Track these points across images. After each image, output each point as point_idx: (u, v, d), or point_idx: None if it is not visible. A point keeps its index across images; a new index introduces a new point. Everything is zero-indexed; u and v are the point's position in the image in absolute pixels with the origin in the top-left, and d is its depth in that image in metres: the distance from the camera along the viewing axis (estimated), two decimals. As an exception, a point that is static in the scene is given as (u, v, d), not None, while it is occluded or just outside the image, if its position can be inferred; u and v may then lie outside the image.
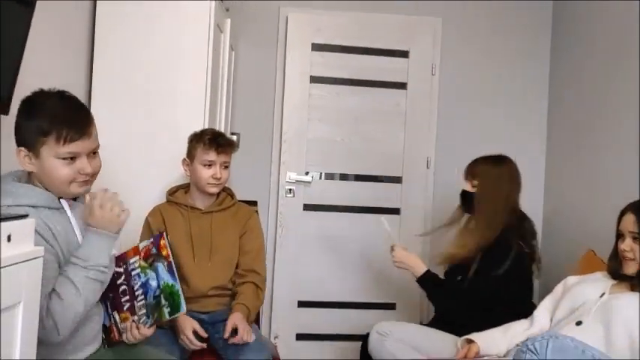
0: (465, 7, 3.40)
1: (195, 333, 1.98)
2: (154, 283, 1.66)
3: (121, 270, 1.65)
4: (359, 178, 3.35)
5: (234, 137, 2.80)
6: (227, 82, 2.78)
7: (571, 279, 2.03)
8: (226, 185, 2.27)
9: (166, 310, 1.65)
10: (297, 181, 3.27)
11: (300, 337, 3.25)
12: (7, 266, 1.02)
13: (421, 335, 2.24)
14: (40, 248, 1.15)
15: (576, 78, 3.16)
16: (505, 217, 2.21)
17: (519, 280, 2.19)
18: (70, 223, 1.53)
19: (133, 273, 1.65)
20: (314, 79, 3.30)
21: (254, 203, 2.73)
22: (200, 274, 2.12)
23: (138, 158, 2.37)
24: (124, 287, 1.65)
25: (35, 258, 1.12)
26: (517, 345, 1.93)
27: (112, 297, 1.67)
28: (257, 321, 2.34)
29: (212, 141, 2.15)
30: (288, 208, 3.27)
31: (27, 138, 1.46)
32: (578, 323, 1.80)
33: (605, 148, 2.81)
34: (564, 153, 3.22)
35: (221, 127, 2.71)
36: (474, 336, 2.01)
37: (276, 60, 3.29)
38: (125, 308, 1.66)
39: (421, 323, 2.67)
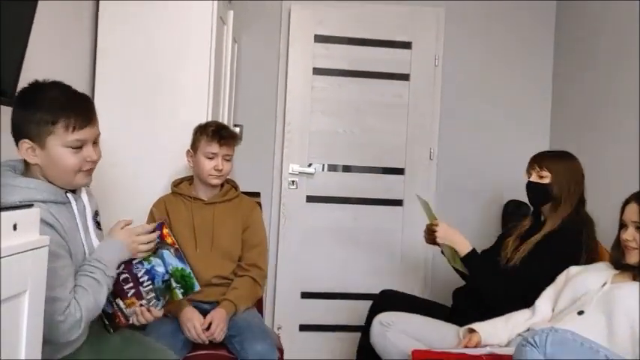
0: (468, -2, 3.39)
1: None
2: (160, 269, 1.69)
3: (141, 255, 1.68)
4: (362, 169, 3.36)
5: (237, 129, 2.81)
6: (230, 74, 2.79)
7: (573, 269, 2.03)
8: (230, 177, 2.29)
9: (179, 292, 1.72)
10: (300, 172, 3.28)
11: (303, 327, 3.27)
12: (12, 255, 1.04)
13: (423, 326, 2.25)
14: (46, 237, 1.16)
15: (580, 68, 3.16)
16: (575, 208, 2.21)
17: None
18: (75, 217, 1.53)
19: (135, 262, 1.67)
20: (316, 71, 3.30)
21: (257, 195, 2.74)
22: (202, 264, 2.13)
23: (142, 151, 2.39)
24: (125, 276, 1.66)
25: (41, 247, 1.13)
26: (519, 335, 1.94)
27: (113, 289, 1.66)
28: (260, 312, 2.35)
29: (215, 133, 2.17)
30: (291, 200, 3.28)
31: (31, 129, 1.43)
32: (580, 313, 1.81)
33: (607, 140, 2.81)
34: (567, 144, 3.21)
35: (224, 119, 2.71)
36: (475, 326, 2.02)
37: (279, 52, 3.29)
38: (129, 295, 1.67)
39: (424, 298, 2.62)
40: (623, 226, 1.89)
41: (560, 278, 2.04)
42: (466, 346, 1.97)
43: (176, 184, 2.27)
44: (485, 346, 1.95)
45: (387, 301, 2.47)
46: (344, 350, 3.17)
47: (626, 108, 2.66)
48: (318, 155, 3.32)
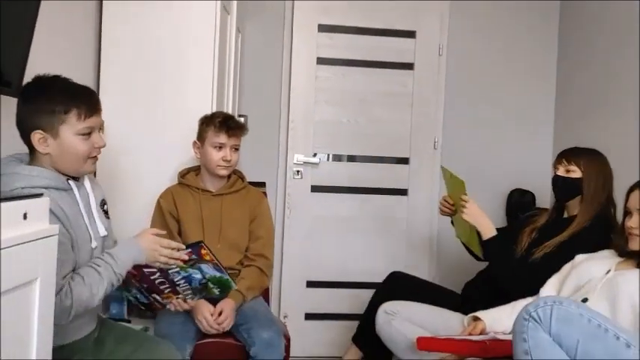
0: (473, -14, 3.37)
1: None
2: (197, 276, 1.78)
3: (154, 269, 1.71)
4: (366, 159, 3.36)
5: (242, 119, 2.82)
6: (234, 64, 2.79)
7: (578, 257, 2.04)
8: (236, 168, 2.30)
9: (216, 290, 1.85)
10: (304, 162, 3.29)
11: (309, 316, 3.29)
12: (23, 243, 1.06)
13: (428, 314, 2.27)
14: (56, 226, 1.18)
15: (584, 58, 3.15)
16: (605, 207, 2.19)
17: None
18: (78, 204, 1.57)
19: (171, 271, 1.73)
20: (320, 61, 3.30)
21: (262, 185, 2.75)
22: (209, 256, 2.16)
23: (148, 141, 2.40)
24: (161, 280, 1.75)
25: (51, 236, 1.15)
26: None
27: (146, 287, 1.77)
28: (266, 301, 2.37)
29: (223, 124, 2.17)
30: (296, 190, 3.29)
31: (43, 120, 1.50)
32: (584, 300, 1.82)
33: (610, 129, 2.81)
34: (572, 133, 3.21)
35: (228, 109, 2.72)
36: (480, 313, 2.04)
37: (283, 42, 3.29)
38: (166, 291, 1.78)
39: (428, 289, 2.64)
40: (627, 213, 1.89)
41: (566, 267, 2.04)
42: (470, 334, 1.98)
43: (183, 174, 2.27)
44: (490, 333, 1.97)
45: (395, 283, 2.48)
46: (350, 338, 3.19)
47: (629, 98, 2.65)
48: (323, 145, 3.32)
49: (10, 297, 1.02)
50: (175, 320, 2.00)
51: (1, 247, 0.99)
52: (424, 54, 3.35)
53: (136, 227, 2.22)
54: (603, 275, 1.85)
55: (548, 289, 2.03)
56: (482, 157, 3.41)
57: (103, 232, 1.64)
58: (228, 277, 1.85)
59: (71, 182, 1.57)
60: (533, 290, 2.05)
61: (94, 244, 1.59)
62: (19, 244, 1.04)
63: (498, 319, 2.00)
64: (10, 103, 1.62)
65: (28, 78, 1.60)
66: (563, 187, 2.24)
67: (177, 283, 1.76)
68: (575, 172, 2.21)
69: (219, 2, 2.40)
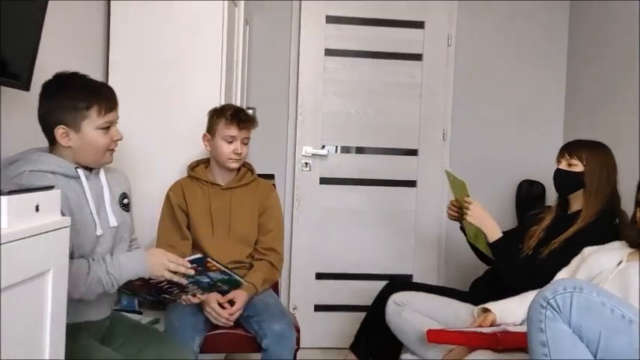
0: (482, -24, 3.34)
1: (220, 306, 2.04)
2: (205, 280, 1.80)
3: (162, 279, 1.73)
4: (375, 151, 3.36)
5: (250, 112, 2.82)
6: (242, 56, 2.79)
7: (588, 249, 2.02)
8: (246, 160, 2.30)
9: (225, 287, 1.90)
10: (313, 154, 3.29)
11: (318, 308, 3.30)
12: (35, 235, 1.06)
13: (438, 305, 2.26)
14: (67, 218, 1.19)
15: (594, 50, 3.12)
16: (609, 202, 2.17)
17: None
18: (85, 192, 1.62)
19: (176, 278, 1.74)
20: (329, 52, 3.28)
21: (271, 177, 2.75)
22: (219, 249, 2.16)
23: (156, 134, 2.41)
24: (168, 285, 1.77)
25: (63, 227, 1.15)
26: None
27: (154, 291, 1.79)
28: (276, 293, 2.38)
29: (234, 116, 2.17)
30: (304, 182, 3.29)
31: (66, 115, 1.58)
32: (595, 292, 1.81)
33: (621, 121, 2.78)
34: (583, 124, 3.19)
35: (237, 101, 2.72)
36: (490, 305, 2.03)
37: (291, 33, 3.28)
38: (175, 292, 1.82)
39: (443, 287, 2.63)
40: (639, 204, 1.87)
41: (575, 259, 2.03)
42: (480, 326, 1.98)
43: (192, 167, 2.27)
44: (500, 324, 1.96)
45: (394, 289, 2.45)
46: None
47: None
48: (331, 137, 3.32)
49: (23, 288, 1.03)
50: (185, 312, 2.01)
51: (14, 239, 1.00)
52: (433, 45, 3.33)
53: (146, 220, 2.24)
54: (614, 267, 1.84)
55: (558, 281, 2.01)
56: (491, 148, 3.39)
57: (113, 223, 1.68)
58: (237, 277, 1.89)
59: (80, 170, 1.62)
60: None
61: (99, 231, 1.63)
62: (31, 236, 1.05)
63: (508, 311, 2.00)
64: (19, 95, 1.63)
65: (37, 72, 1.62)
66: (564, 181, 2.22)
67: (186, 286, 1.77)
68: (578, 166, 2.19)
69: (227, -6, 2.40)
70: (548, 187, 3.25)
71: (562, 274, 2.01)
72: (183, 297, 1.83)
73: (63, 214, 1.47)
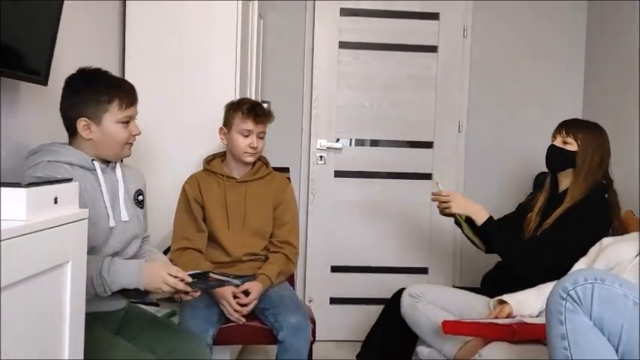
0: (497, -34, 3.30)
1: (235, 297, 2.05)
2: (202, 285, 1.79)
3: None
4: (389, 143, 3.34)
5: (265, 105, 2.83)
6: (256, 50, 2.79)
7: (606, 240, 2.01)
8: (261, 154, 2.31)
9: (216, 285, 1.86)
10: (327, 147, 3.29)
11: (334, 300, 3.31)
12: (54, 227, 1.08)
13: (453, 297, 2.25)
14: (85, 210, 1.20)
15: (614, 36, 3.06)
16: (599, 182, 2.18)
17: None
18: (100, 184, 1.66)
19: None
20: (343, 45, 3.27)
21: (286, 170, 2.76)
22: (234, 242, 2.18)
23: (172, 128, 2.43)
24: None
25: (81, 219, 1.17)
26: None
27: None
28: (292, 286, 2.39)
29: (250, 110, 2.18)
30: (319, 175, 3.30)
31: (89, 108, 1.63)
32: (613, 283, 1.79)
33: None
34: (602, 115, 3.14)
35: (251, 95, 2.73)
36: (506, 297, 2.02)
37: (305, 27, 3.27)
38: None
39: (454, 287, 2.68)
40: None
41: (593, 250, 2.02)
42: (497, 317, 1.97)
43: (208, 160, 2.28)
44: (516, 316, 1.95)
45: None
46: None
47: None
48: (346, 130, 3.31)
49: (42, 280, 1.05)
50: (199, 304, 2.03)
51: (33, 230, 1.01)
52: (448, 36, 3.31)
53: (161, 214, 2.26)
54: (633, 257, 1.82)
55: (576, 272, 2.00)
56: (507, 140, 3.36)
57: (125, 217, 1.72)
58: (237, 282, 1.90)
59: (96, 163, 1.66)
60: (539, 267, 2.07)
61: (112, 223, 1.67)
62: (50, 228, 1.07)
63: (525, 302, 1.99)
64: (38, 90, 1.66)
65: (54, 69, 1.66)
66: (556, 159, 2.23)
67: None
68: (572, 145, 2.19)
69: (241, -12, 2.40)
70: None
71: (580, 264, 1.99)
72: (177, 296, 1.77)
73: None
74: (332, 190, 3.30)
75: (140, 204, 1.81)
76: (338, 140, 3.30)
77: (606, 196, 2.18)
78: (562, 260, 2.03)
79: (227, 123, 2.22)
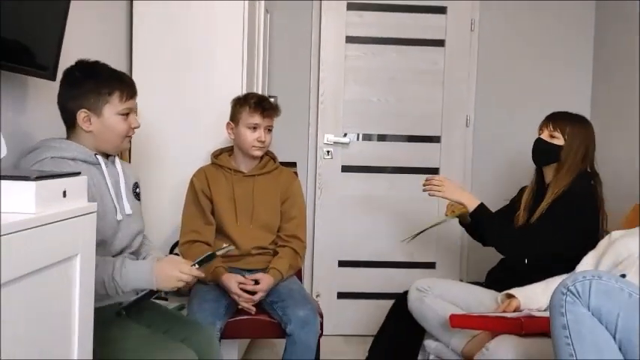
0: (505, -41, 3.28)
1: (243, 288, 2.06)
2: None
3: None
4: (397, 138, 3.34)
5: (272, 100, 2.83)
6: (263, 45, 2.79)
7: (615, 233, 2.00)
8: (269, 149, 2.31)
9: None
10: (334, 142, 3.29)
11: (341, 295, 3.32)
12: (64, 220, 1.09)
13: (460, 291, 2.25)
14: (94, 204, 1.21)
15: (622, 33, 3.04)
16: (582, 175, 2.18)
17: (587, 233, 2.13)
18: (105, 178, 1.67)
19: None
20: (350, 39, 3.27)
21: (293, 165, 2.76)
22: (242, 236, 2.19)
23: (180, 123, 2.45)
24: None
25: (90, 213, 1.18)
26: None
27: None
28: (300, 280, 2.40)
29: (258, 104, 2.18)
30: (326, 170, 3.30)
31: (89, 100, 1.63)
32: (622, 276, 1.78)
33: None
34: (609, 109, 3.12)
35: (258, 90, 2.73)
36: (514, 291, 2.01)
37: (312, 21, 3.27)
38: None
39: (461, 281, 2.68)
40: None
41: (602, 243, 2.01)
42: (504, 311, 1.97)
43: (216, 155, 2.29)
44: (524, 310, 1.95)
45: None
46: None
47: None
48: (353, 125, 3.31)
49: (51, 273, 1.06)
50: (206, 297, 2.04)
51: (42, 223, 1.02)
52: (455, 30, 3.29)
53: (168, 208, 2.28)
54: (642, 251, 1.81)
55: (584, 266, 1.99)
56: (515, 135, 3.34)
57: (128, 210, 1.73)
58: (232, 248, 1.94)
59: (99, 157, 1.67)
60: (531, 255, 2.12)
61: (119, 216, 1.68)
62: (58, 221, 1.07)
63: (533, 296, 1.98)
64: (45, 85, 1.67)
65: (62, 66, 1.67)
66: (542, 152, 2.23)
67: None
68: (559, 139, 2.19)
69: (247, -17, 2.40)
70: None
71: (588, 258, 1.99)
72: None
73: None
74: (339, 185, 3.30)
75: (138, 196, 1.83)
76: (345, 135, 3.30)
77: (592, 182, 2.18)
78: (553, 248, 2.06)
79: (234, 117, 2.22)
